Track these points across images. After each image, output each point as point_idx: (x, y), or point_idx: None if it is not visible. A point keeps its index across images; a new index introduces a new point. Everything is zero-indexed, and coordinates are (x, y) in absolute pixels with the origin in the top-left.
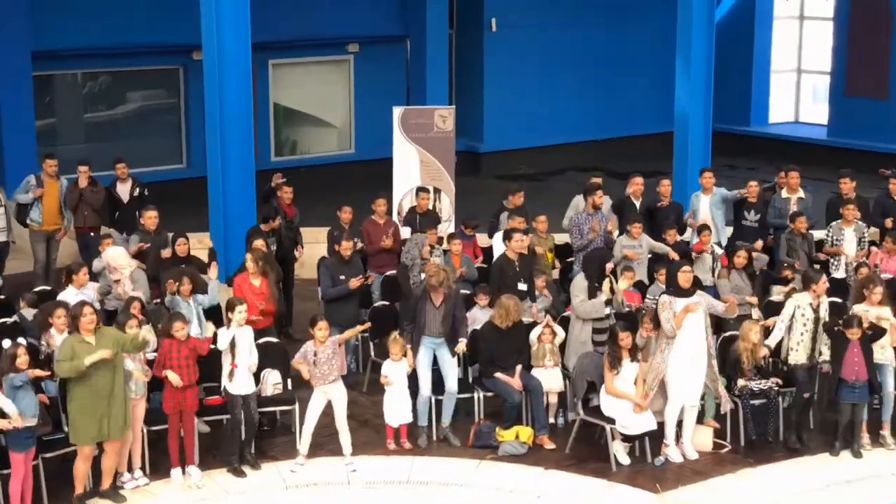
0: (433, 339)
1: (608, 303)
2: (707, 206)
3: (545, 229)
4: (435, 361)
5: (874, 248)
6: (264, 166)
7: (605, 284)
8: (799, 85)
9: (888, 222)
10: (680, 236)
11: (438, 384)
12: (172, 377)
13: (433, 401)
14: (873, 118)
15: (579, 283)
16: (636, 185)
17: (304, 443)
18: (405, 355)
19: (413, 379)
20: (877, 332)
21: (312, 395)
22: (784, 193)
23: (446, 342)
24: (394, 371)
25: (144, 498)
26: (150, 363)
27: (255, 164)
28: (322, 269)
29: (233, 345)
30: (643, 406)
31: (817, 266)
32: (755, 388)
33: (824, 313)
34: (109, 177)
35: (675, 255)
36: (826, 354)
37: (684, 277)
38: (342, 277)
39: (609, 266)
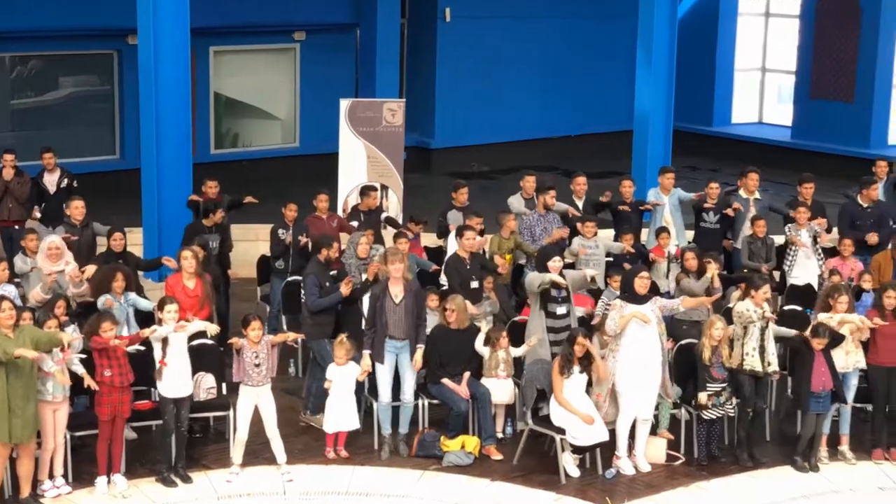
0: (396, 342)
1: (557, 287)
2: (667, 207)
3: (514, 227)
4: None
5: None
6: (203, 159)
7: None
8: (763, 84)
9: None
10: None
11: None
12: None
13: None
14: (838, 121)
15: (532, 275)
16: (579, 185)
17: (237, 451)
18: (351, 359)
19: (364, 384)
20: (835, 338)
21: (240, 397)
22: (742, 194)
23: (409, 344)
24: (338, 376)
25: None
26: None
27: (194, 157)
28: (311, 279)
29: (165, 342)
30: (590, 421)
31: (776, 271)
32: (713, 413)
33: (763, 322)
34: (37, 167)
35: (629, 249)
36: (775, 364)
37: (641, 283)
38: (327, 284)
39: (557, 265)
